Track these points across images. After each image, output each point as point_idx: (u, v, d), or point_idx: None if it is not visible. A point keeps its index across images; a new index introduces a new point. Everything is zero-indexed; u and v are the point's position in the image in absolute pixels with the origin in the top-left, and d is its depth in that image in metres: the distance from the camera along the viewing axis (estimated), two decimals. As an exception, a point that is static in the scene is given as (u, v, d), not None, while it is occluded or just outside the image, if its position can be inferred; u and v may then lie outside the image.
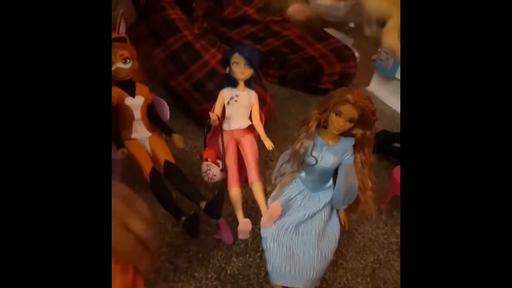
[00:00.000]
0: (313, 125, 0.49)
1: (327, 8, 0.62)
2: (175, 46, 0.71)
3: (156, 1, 0.76)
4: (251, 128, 0.61)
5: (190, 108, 0.73)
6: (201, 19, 0.80)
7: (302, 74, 0.88)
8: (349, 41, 1.28)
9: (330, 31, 1.28)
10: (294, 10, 0.69)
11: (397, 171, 0.67)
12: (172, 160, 0.55)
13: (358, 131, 0.49)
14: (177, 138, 0.57)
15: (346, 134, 0.50)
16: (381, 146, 0.78)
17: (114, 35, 0.55)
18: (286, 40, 0.88)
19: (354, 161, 0.50)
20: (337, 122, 0.47)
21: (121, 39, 0.56)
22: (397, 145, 0.80)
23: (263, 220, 0.50)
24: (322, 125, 0.50)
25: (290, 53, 0.87)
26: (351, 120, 0.47)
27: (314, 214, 0.51)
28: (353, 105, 0.45)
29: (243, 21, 0.88)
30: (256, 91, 0.72)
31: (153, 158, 0.55)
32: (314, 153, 0.50)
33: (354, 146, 0.50)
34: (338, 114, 0.47)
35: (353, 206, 0.51)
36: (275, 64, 0.90)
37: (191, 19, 0.78)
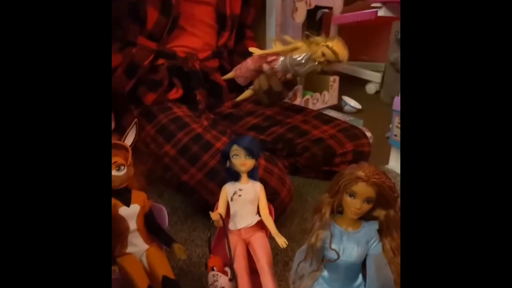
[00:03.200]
0: (326, 211, 0.42)
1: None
2: (184, 140, 0.70)
3: (162, 103, 0.78)
4: (261, 224, 0.54)
5: (205, 202, 0.68)
6: (207, 112, 0.79)
7: (313, 158, 0.83)
8: (359, 122, 1.26)
9: (335, 114, 1.27)
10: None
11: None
12: (171, 276, 0.47)
13: (380, 213, 0.42)
14: (178, 249, 0.50)
15: (366, 217, 0.43)
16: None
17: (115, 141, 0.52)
18: (290, 126, 0.85)
19: (383, 249, 0.42)
20: (353, 205, 0.40)
21: (117, 146, 0.52)
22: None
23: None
24: (337, 210, 0.43)
25: (297, 137, 0.84)
26: (368, 201, 0.40)
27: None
28: (367, 183, 0.39)
29: (244, 114, 0.87)
30: (276, 173, 0.67)
31: (150, 273, 0.48)
32: (333, 246, 0.42)
33: (380, 231, 0.43)
34: (352, 195, 0.40)
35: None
36: (284, 152, 0.86)
37: (199, 114, 0.78)
